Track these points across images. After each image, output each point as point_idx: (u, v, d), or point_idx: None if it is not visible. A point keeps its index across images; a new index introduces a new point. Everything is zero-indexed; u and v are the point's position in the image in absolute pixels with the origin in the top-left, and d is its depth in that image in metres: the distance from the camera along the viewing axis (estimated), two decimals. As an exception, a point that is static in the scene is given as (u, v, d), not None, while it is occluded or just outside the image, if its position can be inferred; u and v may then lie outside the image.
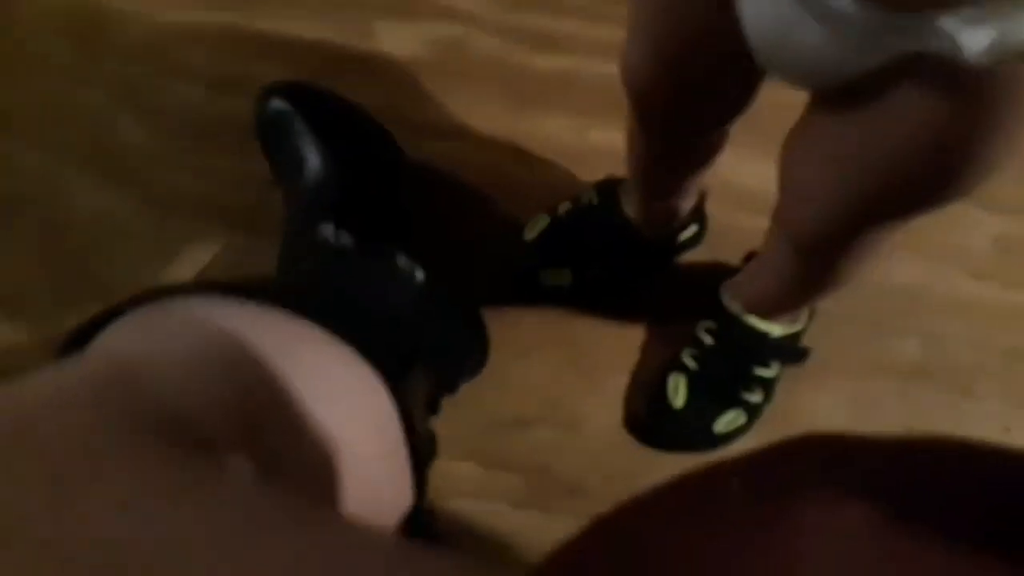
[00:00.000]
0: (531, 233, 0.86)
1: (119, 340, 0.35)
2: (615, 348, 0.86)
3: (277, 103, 0.84)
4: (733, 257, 0.87)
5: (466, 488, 0.81)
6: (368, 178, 0.84)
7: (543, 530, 0.80)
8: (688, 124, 0.63)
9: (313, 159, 0.82)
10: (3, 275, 0.88)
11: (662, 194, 0.78)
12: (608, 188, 0.84)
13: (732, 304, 0.78)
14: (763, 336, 0.77)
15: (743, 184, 0.87)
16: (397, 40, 0.99)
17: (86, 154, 0.93)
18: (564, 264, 0.84)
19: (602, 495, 0.81)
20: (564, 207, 0.86)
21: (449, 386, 0.75)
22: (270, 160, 0.86)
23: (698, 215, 0.85)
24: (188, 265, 0.89)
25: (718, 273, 0.86)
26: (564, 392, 0.85)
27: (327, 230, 0.73)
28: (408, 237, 0.81)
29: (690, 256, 0.89)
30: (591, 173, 0.91)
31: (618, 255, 0.83)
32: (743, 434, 0.82)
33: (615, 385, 0.86)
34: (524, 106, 0.97)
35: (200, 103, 0.96)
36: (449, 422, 0.83)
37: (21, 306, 0.87)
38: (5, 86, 0.96)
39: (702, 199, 0.84)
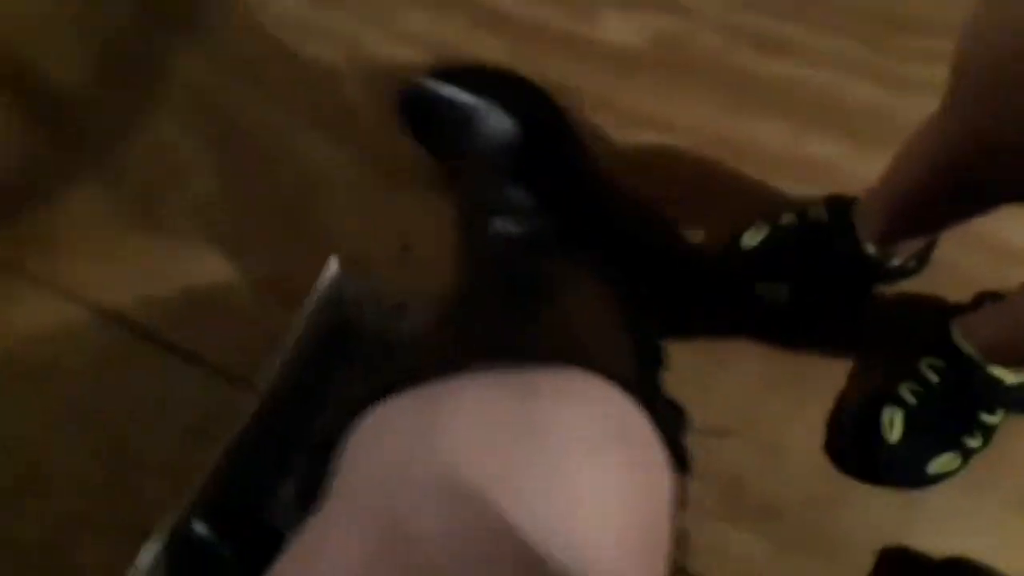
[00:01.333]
0: (751, 241, 0.83)
1: (370, 481, 0.33)
2: (822, 370, 0.84)
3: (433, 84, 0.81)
4: (955, 293, 0.84)
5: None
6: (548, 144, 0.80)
7: (730, 544, 0.79)
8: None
9: (488, 122, 0.78)
10: (228, 218, 0.91)
11: (916, 233, 0.75)
12: (840, 207, 0.80)
13: (965, 345, 0.75)
14: (997, 383, 0.74)
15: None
16: (620, 28, 0.98)
17: (313, 109, 0.95)
18: (783, 279, 0.82)
19: (797, 520, 0.80)
20: (788, 219, 0.83)
21: None
22: (428, 138, 0.84)
23: (930, 247, 0.82)
24: (393, 235, 0.89)
25: (940, 308, 0.83)
26: (765, 408, 0.83)
27: (504, 222, 0.72)
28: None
29: (906, 286, 0.86)
30: (803, 185, 0.89)
31: (843, 279, 0.81)
32: (953, 476, 0.79)
33: (819, 408, 0.83)
34: (741, 108, 0.94)
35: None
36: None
37: (240, 248, 0.89)
38: (251, 39, 0.98)
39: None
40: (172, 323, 0.85)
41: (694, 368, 0.82)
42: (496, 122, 0.77)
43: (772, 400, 0.83)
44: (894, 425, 0.78)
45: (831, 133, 0.92)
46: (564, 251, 0.70)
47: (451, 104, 0.79)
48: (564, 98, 0.94)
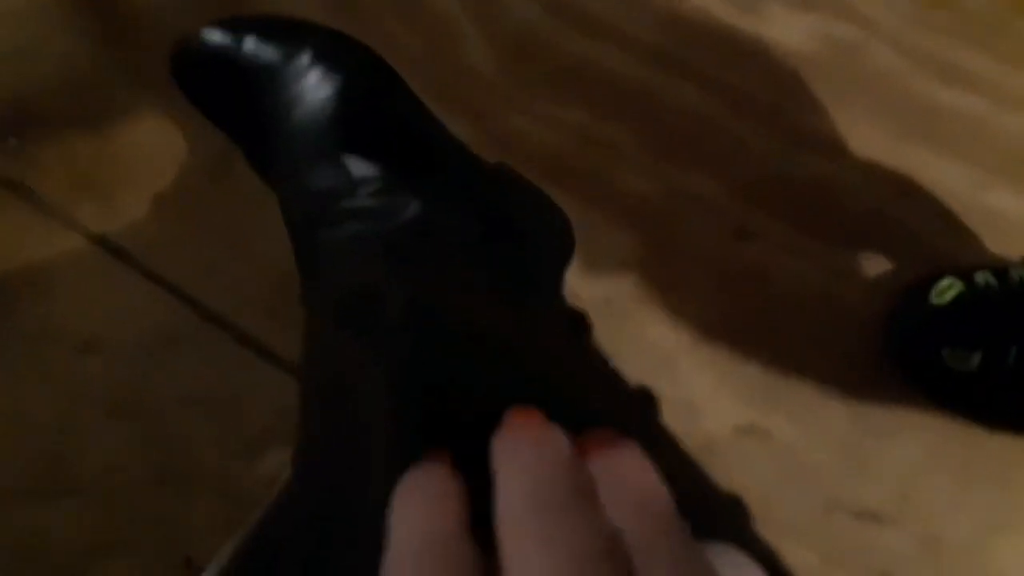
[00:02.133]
0: (940, 299, 0.72)
1: None
2: (999, 454, 0.73)
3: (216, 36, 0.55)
4: None
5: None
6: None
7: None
8: None
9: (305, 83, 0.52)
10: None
11: None
12: None
13: None
14: None
15: None
16: (787, 27, 0.85)
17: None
18: (975, 347, 0.71)
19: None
20: (984, 277, 0.72)
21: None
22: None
23: None
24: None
25: None
26: (928, 492, 0.72)
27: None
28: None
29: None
30: (980, 240, 0.78)
31: None
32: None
33: (989, 497, 0.73)
34: (913, 138, 0.83)
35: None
36: (792, 498, 0.71)
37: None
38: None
39: None
40: (247, 310, 0.70)
41: (850, 439, 0.72)
42: (314, 83, 0.52)
43: (939, 483, 0.72)
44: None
45: (1017, 185, 0.81)
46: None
47: (250, 63, 0.54)
48: (720, 97, 0.82)
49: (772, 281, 0.77)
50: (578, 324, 0.45)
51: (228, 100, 0.56)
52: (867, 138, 0.82)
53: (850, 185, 0.81)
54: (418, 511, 0.23)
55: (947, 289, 0.72)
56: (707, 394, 0.73)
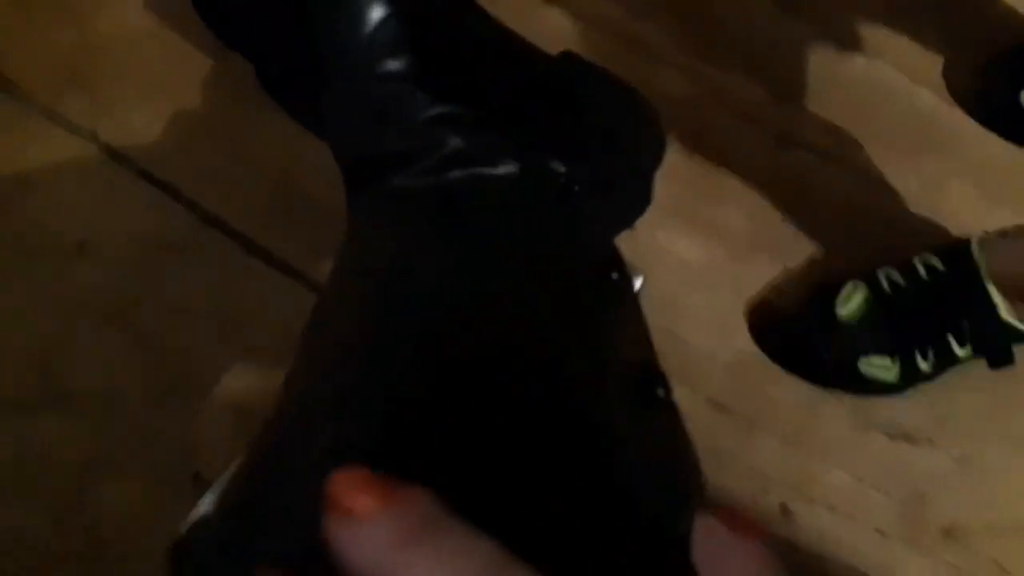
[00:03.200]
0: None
1: None
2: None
3: None
4: None
5: None
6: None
7: (904, 567, 0.66)
8: None
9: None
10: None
11: None
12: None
13: (978, 254, 0.63)
14: (991, 308, 0.63)
15: None
16: None
17: None
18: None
19: (980, 548, 0.67)
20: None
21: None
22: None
23: None
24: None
25: None
26: (964, 414, 0.70)
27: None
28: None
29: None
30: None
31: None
32: (886, 391, 0.67)
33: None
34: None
35: None
36: (826, 418, 0.68)
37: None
38: None
39: None
40: (248, 215, 0.65)
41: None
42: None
43: (975, 405, 0.69)
44: (851, 300, 0.66)
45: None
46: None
47: None
48: None
49: (813, 190, 0.73)
50: (615, 290, 0.40)
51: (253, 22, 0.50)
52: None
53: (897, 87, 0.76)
54: None
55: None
56: (740, 311, 0.70)
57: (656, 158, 0.56)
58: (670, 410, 0.31)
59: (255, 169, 0.65)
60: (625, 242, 0.45)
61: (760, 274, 0.71)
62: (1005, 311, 0.63)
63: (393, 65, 0.45)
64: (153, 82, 0.68)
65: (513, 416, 0.27)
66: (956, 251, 0.65)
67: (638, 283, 0.66)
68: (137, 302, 0.63)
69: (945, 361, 0.66)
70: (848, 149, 0.73)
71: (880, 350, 0.66)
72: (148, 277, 0.63)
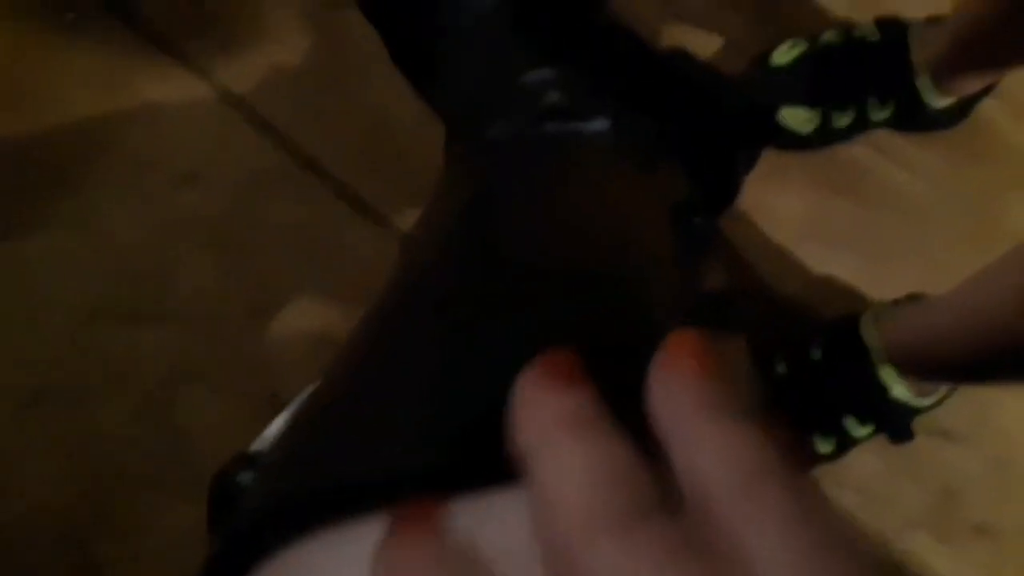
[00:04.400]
0: (782, 59, 0.70)
1: None
2: None
3: None
4: None
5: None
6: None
7: (936, 560, 0.69)
8: None
9: None
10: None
11: (985, 67, 0.65)
12: (894, 28, 0.69)
13: (870, 332, 0.63)
14: (883, 388, 0.62)
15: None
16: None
17: None
18: (813, 104, 0.70)
19: (1012, 546, 0.69)
20: (830, 35, 0.71)
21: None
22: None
23: (977, 97, 0.72)
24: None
25: None
26: (1006, 417, 0.72)
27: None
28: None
29: None
30: None
31: (890, 109, 0.70)
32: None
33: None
34: None
35: None
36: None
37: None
38: None
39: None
40: (345, 160, 0.70)
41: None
42: None
43: (1018, 409, 0.71)
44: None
45: None
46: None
47: None
48: None
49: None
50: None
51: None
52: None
53: None
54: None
55: (790, 50, 0.71)
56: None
57: (749, 164, 0.59)
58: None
59: (355, 120, 0.70)
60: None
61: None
62: (899, 389, 0.62)
63: (499, 25, 0.49)
64: (271, 29, 0.74)
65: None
66: (846, 329, 0.64)
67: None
68: (234, 231, 0.68)
69: (846, 443, 0.67)
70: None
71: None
72: (247, 210, 0.68)
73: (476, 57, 0.50)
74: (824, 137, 0.73)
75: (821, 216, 0.75)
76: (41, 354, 0.65)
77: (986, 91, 0.73)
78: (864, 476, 0.70)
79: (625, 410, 0.19)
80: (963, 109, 0.75)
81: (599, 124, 0.44)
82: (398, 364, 0.27)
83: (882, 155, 0.78)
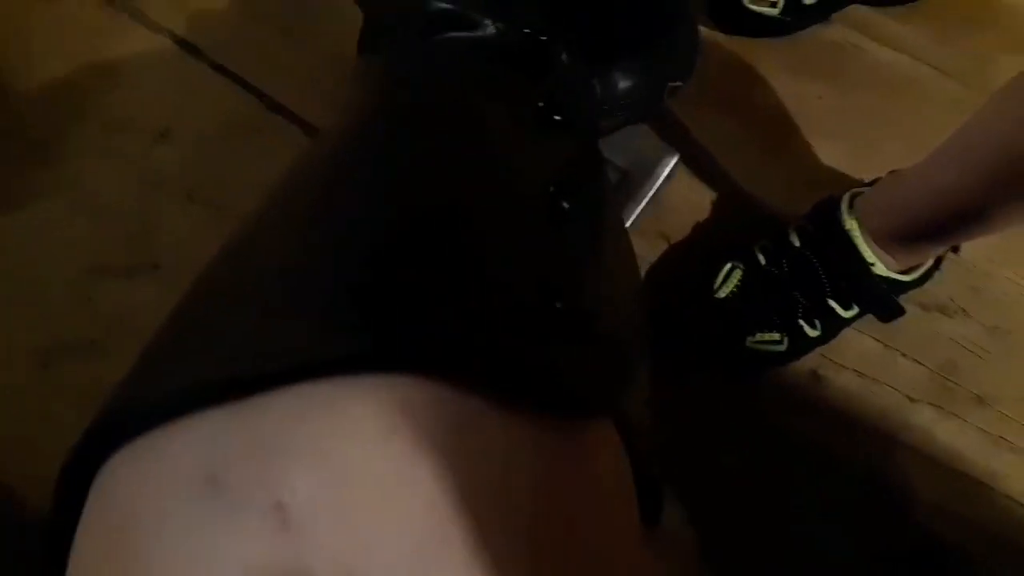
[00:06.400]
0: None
1: None
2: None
3: None
4: None
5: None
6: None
7: (936, 430, 0.69)
8: None
9: None
10: None
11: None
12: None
13: (846, 215, 0.61)
14: (865, 265, 0.61)
15: None
16: None
17: None
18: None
19: (1012, 413, 0.69)
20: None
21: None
22: None
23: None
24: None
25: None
26: (998, 286, 0.71)
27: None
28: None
29: None
30: None
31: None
32: (779, 361, 0.68)
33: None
34: None
35: None
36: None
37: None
38: None
39: None
40: (309, 99, 0.70)
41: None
42: None
43: (1008, 277, 0.70)
44: (728, 281, 0.66)
45: None
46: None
47: None
48: None
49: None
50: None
51: None
52: None
53: None
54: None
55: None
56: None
57: (681, 71, 0.58)
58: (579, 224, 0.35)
59: (313, 57, 0.71)
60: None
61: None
62: (881, 266, 0.62)
63: None
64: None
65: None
66: (825, 211, 0.63)
67: (671, 161, 0.69)
68: (213, 181, 0.69)
69: (834, 325, 0.66)
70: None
71: (765, 327, 0.66)
72: (222, 159, 0.70)
73: None
74: (797, 17, 0.72)
75: (801, 105, 0.74)
76: (47, 316, 0.67)
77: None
78: (863, 355, 0.70)
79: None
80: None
81: (484, 31, 0.44)
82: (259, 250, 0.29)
83: (863, 34, 0.76)
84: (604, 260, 0.37)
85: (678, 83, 0.57)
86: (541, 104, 0.41)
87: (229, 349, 0.23)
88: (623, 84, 0.53)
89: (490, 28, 0.44)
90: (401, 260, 0.26)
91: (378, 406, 0.21)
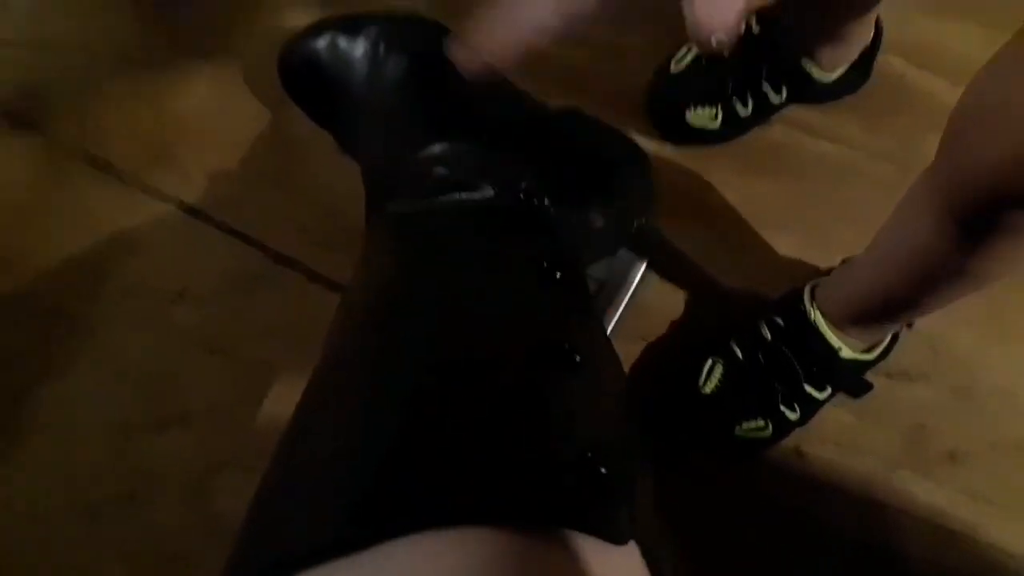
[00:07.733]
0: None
1: None
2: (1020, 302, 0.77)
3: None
4: None
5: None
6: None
7: (915, 494, 0.74)
8: None
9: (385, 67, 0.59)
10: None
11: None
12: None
13: (809, 306, 0.68)
14: (832, 352, 0.67)
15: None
16: None
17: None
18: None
19: (986, 466, 0.74)
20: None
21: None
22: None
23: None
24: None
25: None
26: (956, 346, 0.77)
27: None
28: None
29: None
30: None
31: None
32: (765, 445, 0.73)
33: (1016, 345, 0.77)
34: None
35: None
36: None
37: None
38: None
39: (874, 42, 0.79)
40: (310, 247, 0.78)
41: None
42: (392, 66, 0.59)
43: (965, 337, 0.77)
44: (712, 376, 0.72)
45: None
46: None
47: (343, 57, 0.61)
48: None
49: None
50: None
51: (322, 93, 0.63)
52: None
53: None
54: None
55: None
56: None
57: (643, 206, 0.66)
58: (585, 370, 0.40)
59: (312, 209, 0.79)
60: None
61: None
62: (847, 350, 0.68)
63: (399, 102, 0.57)
64: (221, 146, 0.82)
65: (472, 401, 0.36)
66: (790, 305, 0.70)
67: (641, 267, 0.76)
68: (229, 332, 0.76)
69: (811, 407, 0.72)
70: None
71: (751, 416, 0.72)
72: (235, 311, 0.77)
73: (380, 132, 0.57)
74: (736, 128, 0.80)
75: (753, 202, 0.81)
76: (90, 473, 0.73)
77: (876, 47, 0.78)
78: (839, 429, 0.75)
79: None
80: (862, 70, 0.80)
81: (483, 192, 0.52)
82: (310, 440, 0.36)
83: (800, 130, 0.84)
84: (607, 390, 0.42)
85: (642, 218, 0.65)
86: (545, 264, 0.47)
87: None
88: (597, 224, 0.60)
89: (488, 190, 0.52)
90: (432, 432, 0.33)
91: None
